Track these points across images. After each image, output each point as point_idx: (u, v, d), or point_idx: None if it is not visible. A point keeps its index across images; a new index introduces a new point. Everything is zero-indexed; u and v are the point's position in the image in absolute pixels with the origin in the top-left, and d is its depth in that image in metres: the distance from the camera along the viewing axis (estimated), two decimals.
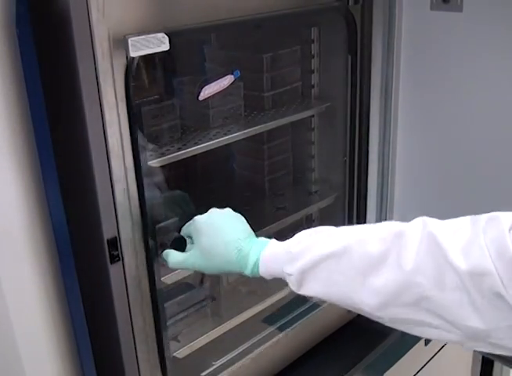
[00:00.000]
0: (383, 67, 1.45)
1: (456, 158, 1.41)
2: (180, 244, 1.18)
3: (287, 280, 0.98)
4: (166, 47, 1.04)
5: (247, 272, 1.03)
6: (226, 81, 1.25)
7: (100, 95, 1.02)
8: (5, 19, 0.94)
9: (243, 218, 1.11)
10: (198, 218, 1.13)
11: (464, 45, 1.32)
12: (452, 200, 1.45)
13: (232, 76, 1.26)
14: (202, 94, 1.24)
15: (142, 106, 1.13)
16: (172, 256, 1.14)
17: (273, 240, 1.04)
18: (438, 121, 1.41)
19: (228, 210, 1.13)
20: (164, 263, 1.15)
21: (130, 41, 1.00)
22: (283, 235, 1.07)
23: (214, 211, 1.13)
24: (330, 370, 1.61)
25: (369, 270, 0.88)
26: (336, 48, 1.49)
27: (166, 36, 1.04)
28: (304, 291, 0.97)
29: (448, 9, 1.28)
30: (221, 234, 1.07)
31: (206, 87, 1.25)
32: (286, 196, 1.66)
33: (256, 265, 1.02)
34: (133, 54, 1.01)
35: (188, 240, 1.18)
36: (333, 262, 0.92)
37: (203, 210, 1.17)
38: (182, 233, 1.20)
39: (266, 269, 1.02)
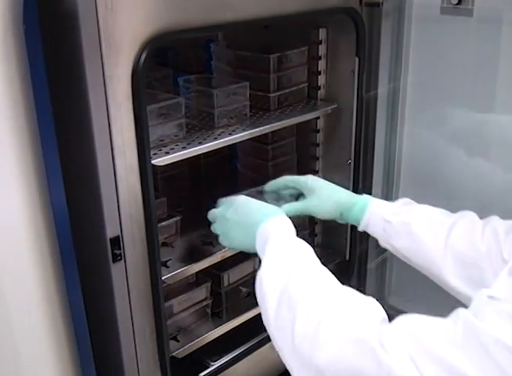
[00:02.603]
0: (391, 70, 1.44)
1: (462, 163, 1.40)
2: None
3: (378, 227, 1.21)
4: None
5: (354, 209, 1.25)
6: None
7: (106, 92, 1.01)
8: (12, 16, 0.93)
9: None
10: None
11: (474, 50, 1.31)
12: (457, 204, 1.44)
13: None
14: None
15: (148, 104, 1.12)
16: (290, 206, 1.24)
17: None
18: (446, 124, 1.41)
19: None
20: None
21: None
22: None
23: None
24: None
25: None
26: (344, 50, 1.47)
27: None
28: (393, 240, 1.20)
29: (458, 14, 1.27)
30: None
31: None
32: None
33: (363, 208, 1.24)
34: None
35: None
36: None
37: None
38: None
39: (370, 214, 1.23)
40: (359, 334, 0.78)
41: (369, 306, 0.84)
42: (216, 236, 1.22)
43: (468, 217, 1.16)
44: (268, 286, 0.96)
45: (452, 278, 1.12)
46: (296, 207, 1.24)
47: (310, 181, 1.28)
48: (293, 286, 0.91)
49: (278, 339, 0.90)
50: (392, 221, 1.20)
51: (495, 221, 1.11)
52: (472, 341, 0.68)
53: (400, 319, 0.79)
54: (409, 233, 1.18)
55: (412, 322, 0.77)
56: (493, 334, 0.67)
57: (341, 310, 0.84)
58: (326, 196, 1.27)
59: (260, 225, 1.08)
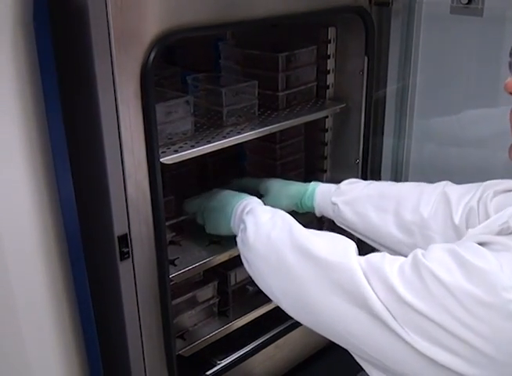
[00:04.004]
0: (399, 69, 1.43)
1: (472, 164, 1.39)
2: None
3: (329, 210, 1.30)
4: None
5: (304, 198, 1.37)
6: None
7: (115, 90, 1.01)
8: (23, 13, 0.93)
9: None
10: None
11: (483, 49, 1.31)
12: None
13: None
14: None
15: (157, 102, 1.12)
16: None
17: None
18: (454, 124, 1.40)
19: None
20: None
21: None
22: None
23: None
24: (340, 373, 1.60)
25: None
26: (353, 49, 1.47)
27: None
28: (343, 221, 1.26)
29: (468, 13, 1.27)
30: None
31: None
32: None
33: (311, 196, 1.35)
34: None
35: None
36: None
37: None
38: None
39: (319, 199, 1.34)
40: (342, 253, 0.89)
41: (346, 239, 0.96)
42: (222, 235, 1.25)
43: (412, 185, 1.19)
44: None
45: (404, 249, 1.13)
46: None
47: (264, 182, 1.44)
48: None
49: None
50: (337, 202, 1.27)
51: (447, 186, 1.14)
52: (415, 273, 0.77)
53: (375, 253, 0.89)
54: (354, 211, 1.23)
55: (379, 254, 0.86)
56: (429, 267, 0.76)
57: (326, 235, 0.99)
58: (277, 192, 1.40)
59: (235, 206, 1.21)
